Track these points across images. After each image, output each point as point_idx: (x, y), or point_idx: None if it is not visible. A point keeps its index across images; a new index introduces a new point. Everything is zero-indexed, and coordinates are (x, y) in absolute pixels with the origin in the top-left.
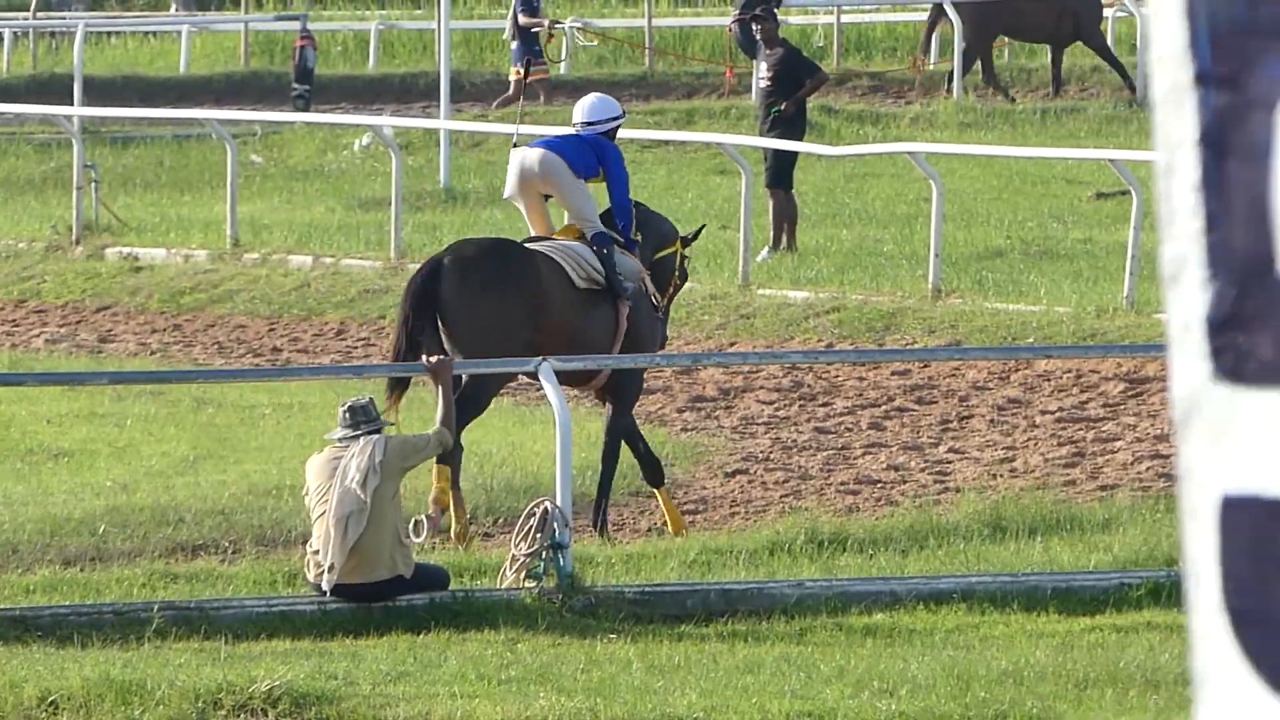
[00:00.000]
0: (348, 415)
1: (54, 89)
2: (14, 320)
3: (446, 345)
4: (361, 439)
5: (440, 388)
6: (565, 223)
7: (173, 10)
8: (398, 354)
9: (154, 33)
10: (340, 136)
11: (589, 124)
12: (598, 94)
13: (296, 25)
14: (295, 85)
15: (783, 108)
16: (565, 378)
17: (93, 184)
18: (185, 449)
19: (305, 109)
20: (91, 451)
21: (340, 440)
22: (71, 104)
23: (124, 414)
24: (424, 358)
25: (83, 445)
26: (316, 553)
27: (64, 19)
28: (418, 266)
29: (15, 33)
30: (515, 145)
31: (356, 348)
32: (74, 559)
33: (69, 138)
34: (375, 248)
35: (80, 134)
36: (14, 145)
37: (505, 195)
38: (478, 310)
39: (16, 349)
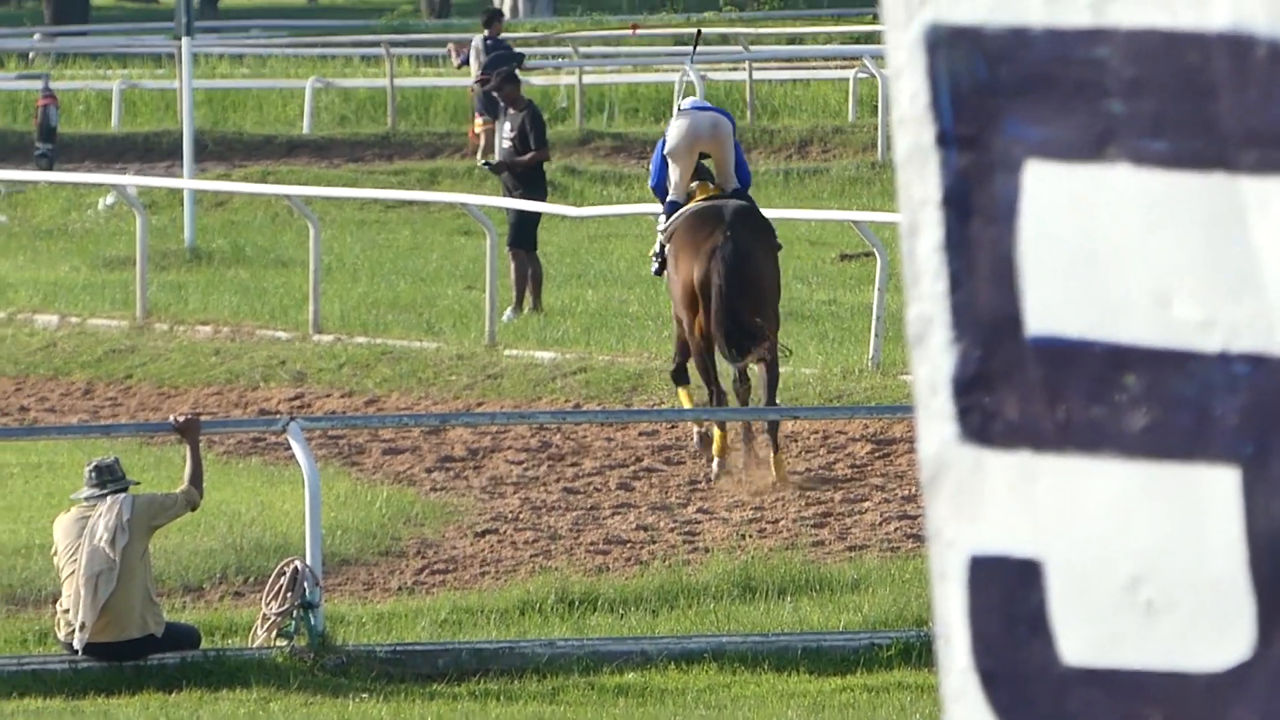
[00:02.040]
0: (94, 474)
1: None
2: None
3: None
4: (109, 498)
5: (189, 447)
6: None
7: None
8: (729, 335)
9: None
10: (84, 195)
11: (700, 108)
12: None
13: (39, 84)
14: (38, 144)
15: (491, 163)
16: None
17: None
18: None
19: (48, 168)
20: None
21: (87, 499)
22: None
23: None
24: (172, 417)
25: None
26: (67, 611)
27: None
28: (706, 250)
29: None
30: (680, 109)
31: (104, 407)
32: None
33: None
34: (121, 307)
35: None
36: None
37: (667, 149)
38: (771, 264)
39: None
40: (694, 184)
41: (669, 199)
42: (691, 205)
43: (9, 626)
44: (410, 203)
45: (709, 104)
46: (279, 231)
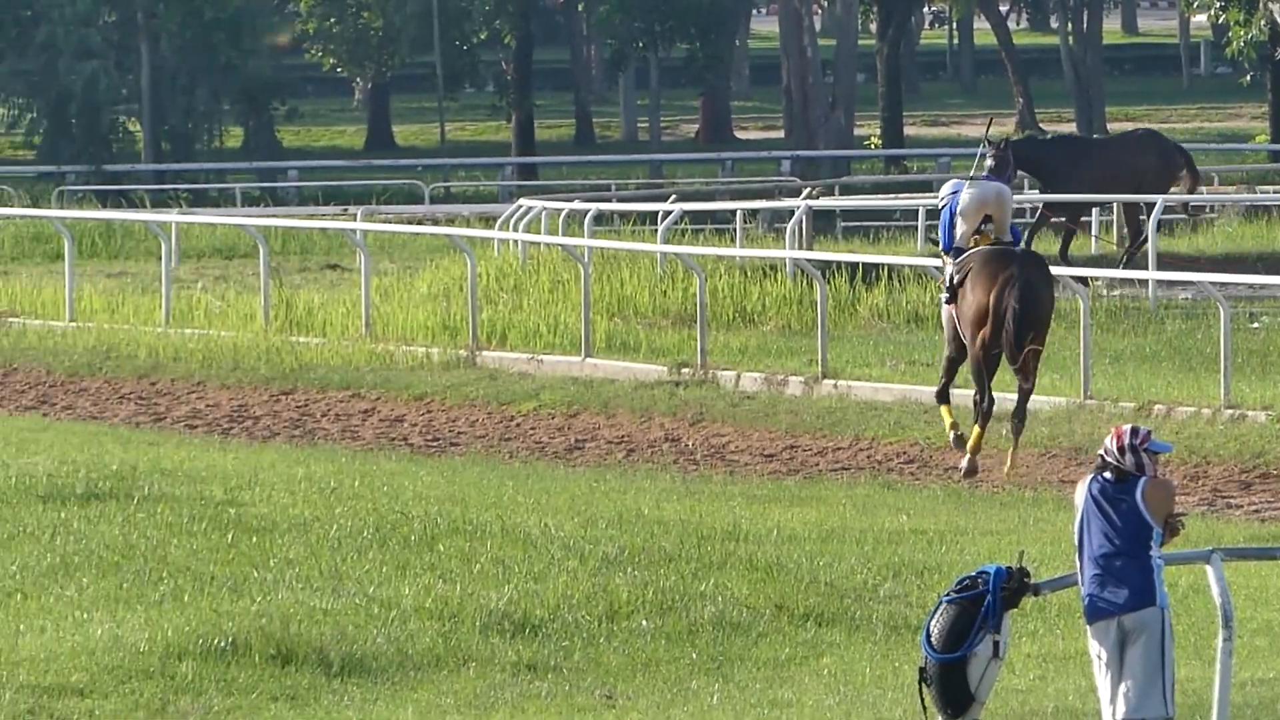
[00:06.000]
0: None
1: None
2: None
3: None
4: None
5: None
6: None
7: None
8: (1015, 348)
9: None
10: None
11: (987, 179)
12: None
13: None
14: None
15: None
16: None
17: None
18: None
19: None
20: None
21: None
22: None
23: None
24: None
25: None
26: None
27: None
28: (1003, 279)
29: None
30: (972, 179)
31: None
32: None
33: None
34: None
35: None
36: None
37: (960, 209)
38: (1051, 300)
39: None
40: (975, 235)
41: (954, 246)
42: (983, 246)
43: None
44: None
45: (994, 176)
46: None
